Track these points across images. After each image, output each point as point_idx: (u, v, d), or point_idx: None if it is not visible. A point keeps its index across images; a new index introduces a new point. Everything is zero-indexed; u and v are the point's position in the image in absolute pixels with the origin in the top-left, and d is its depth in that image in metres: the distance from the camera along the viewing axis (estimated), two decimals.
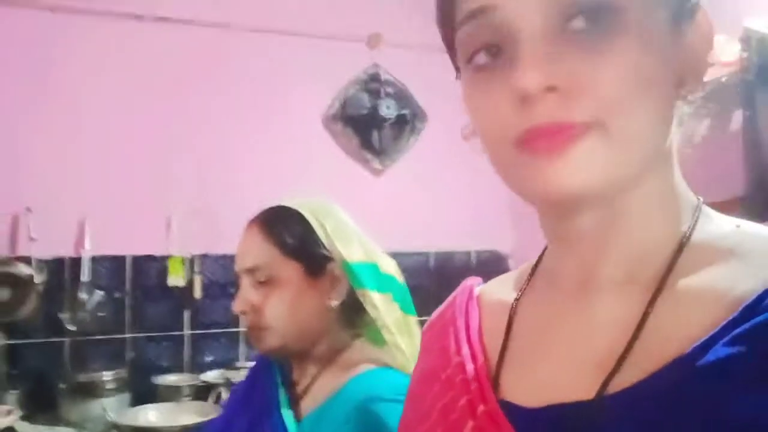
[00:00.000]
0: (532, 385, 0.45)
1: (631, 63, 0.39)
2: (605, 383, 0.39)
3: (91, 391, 2.04)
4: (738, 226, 0.43)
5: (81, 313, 2.10)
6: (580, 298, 0.45)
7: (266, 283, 0.89)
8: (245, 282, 0.90)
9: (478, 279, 0.61)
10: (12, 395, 2.04)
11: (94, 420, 2.02)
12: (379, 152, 2.46)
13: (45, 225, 2.02)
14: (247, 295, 0.89)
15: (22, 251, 2.04)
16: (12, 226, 2.04)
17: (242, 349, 2.29)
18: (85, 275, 2.09)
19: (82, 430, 2.01)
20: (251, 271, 0.89)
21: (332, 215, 0.93)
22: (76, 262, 2.10)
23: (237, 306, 0.91)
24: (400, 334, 0.91)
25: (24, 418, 1.93)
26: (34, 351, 2.14)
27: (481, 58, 0.42)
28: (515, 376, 0.47)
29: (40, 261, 2.04)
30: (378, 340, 0.93)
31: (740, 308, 0.36)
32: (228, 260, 2.20)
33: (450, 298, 0.60)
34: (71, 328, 2.11)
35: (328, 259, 0.89)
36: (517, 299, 0.51)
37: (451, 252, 2.55)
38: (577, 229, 0.44)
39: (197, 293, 2.19)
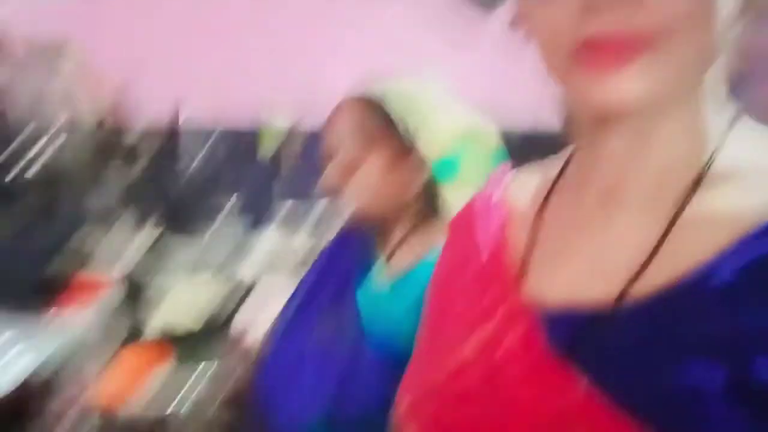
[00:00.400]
0: (554, 285, 0.48)
1: None
2: (621, 294, 0.41)
3: None
4: (757, 151, 0.43)
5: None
6: (604, 210, 0.46)
7: (352, 165, 0.97)
8: (333, 161, 0.99)
9: (508, 169, 0.63)
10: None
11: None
12: None
13: (144, 98, 2.17)
14: (334, 173, 0.98)
15: (125, 123, 2.18)
16: (114, 98, 2.17)
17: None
18: (182, 147, 2.23)
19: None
20: (339, 152, 0.98)
21: (419, 102, 0.96)
22: (173, 134, 2.23)
23: (325, 182, 1.00)
24: None
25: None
26: None
27: None
28: (540, 276, 0.49)
29: (142, 133, 2.19)
30: None
31: (749, 233, 0.38)
32: (316, 134, 2.35)
33: (476, 194, 0.62)
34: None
35: (408, 148, 0.95)
36: (545, 199, 0.53)
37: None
38: (611, 146, 0.45)
39: (287, 165, 2.29)
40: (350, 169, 0.95)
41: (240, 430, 1.18)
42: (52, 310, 1.50)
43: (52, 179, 1.89)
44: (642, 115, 0.42)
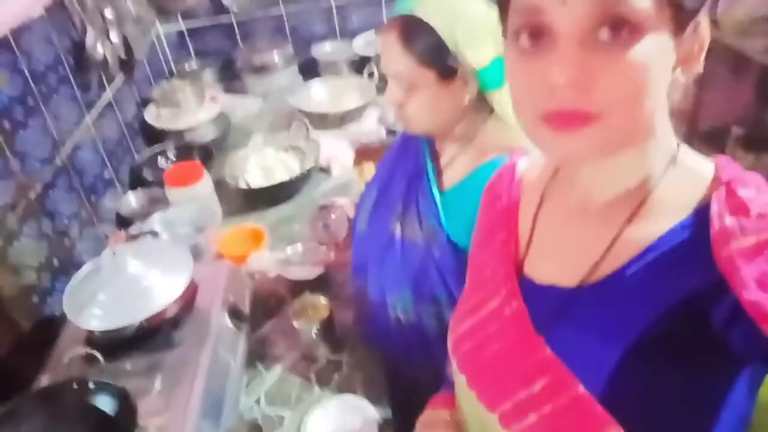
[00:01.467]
0: (543, 268, 0.65)
1: (639, 70, 0.48)
2: (584, 279, 0.60)
3: (266, 68, 2.29)
4: (687, 171, 0.58)
5: None
6: (580, 212, 0.62)
7: (407, 87, 0.97)
8: (391, 82, 1.00)
9: (522, 154, 0.77)
10: (207, 73, 2.36)
11: (275, 92, 2.29)
12: None
13: None
14: (392, 93, 1.00)
15: None
16: None
17: (385, 12, 2.40)
18: None
19: (268, 100, 2.29)
20: (393, 77, 0.98)
21: (465, 16, 0.94)
22: None
23: (386, 100, 1.02)
24: None
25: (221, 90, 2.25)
26: (209, 32, 2.40)
27: (525, 41, 0.52)
28: (534, 259, 0.67)
29: None
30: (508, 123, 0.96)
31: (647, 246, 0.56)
32: None
33: (499, 170, 0.78)
34: (233, 8, 2.30)
35: (457, 64, 0.94)
36: (541, 200, 0.68)
37: None
38: (581, 172, 0.62)
39: None
40: (406, 91, 1.00)
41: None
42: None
43: None
44: (603, 159, 0.56)
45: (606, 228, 0.59)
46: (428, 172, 1.06)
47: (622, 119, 0.50)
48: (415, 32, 0.95)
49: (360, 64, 2.28)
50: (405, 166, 1.12)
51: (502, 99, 0.98)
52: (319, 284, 1.36)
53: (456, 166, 1.04)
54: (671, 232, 0.55)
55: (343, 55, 2.36)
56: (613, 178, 0.59)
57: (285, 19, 2.39)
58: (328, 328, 1.20)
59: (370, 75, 2.18)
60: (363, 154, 1.99)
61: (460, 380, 0.70)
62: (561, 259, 0.64)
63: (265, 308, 1.35)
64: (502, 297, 0.66)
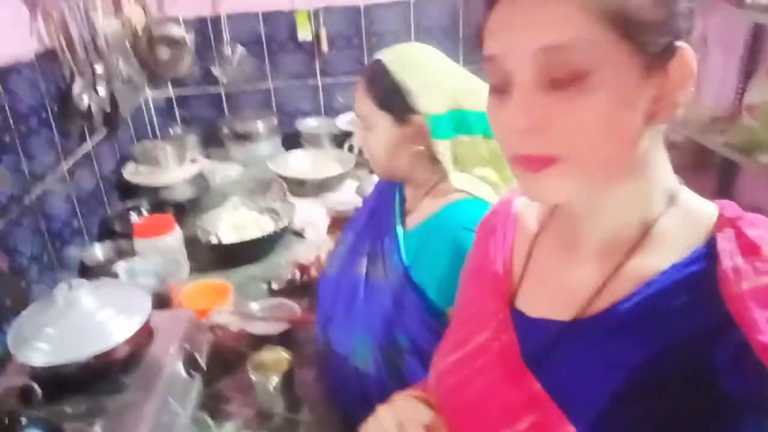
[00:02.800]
0: (536, 301, 0.64)
1: (595, 113, 0.49)
2: (579, 313, 0.58)
3: (249, 136, 2.34)
4: (689, 212, 0.57)
5: (228, 67, 2.35)
6: (572, 252, 0.62)
7: (368, 127, 1.05)
8: (358, 125, 1.10)
9: (517, 192, 0.75)
10: (191, 138, 2.38)
11: (256, 159, 2.32)
12: None
13: None
14: (358, 135, 1.11)
15: (168, 12, 2.27)
16: None
17: None
18: (226, 32, 2.32)
19: (248, 167, 2.31)
20: (360, 118, 1.08)
21: (422, 67, 1.03)
22: (216, 20, 2.31)
23: (355, 141, 1.13)
24: (491, 163, 1.05)
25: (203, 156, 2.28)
26: (197, 101, 2.47)
27: (494, 87, 0.55)
28: (527, 293, 0.65)
29: (185, 21, 2.28)
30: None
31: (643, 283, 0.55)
32: (351, 12, 2.37)
33: (495, 207, 0.78)
34: (223, 80, 2.38)
35: (412, 111, 1.01)
36: (536, 236, 0.68)
37: None
38: (569, 211, 0.62)
39: (324, 46, 2.37)
40: (368, 131, 1.06)
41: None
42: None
43: None
44: (580, 200, 0.57)
45: (602, 263, 0.58)
46: (395, 214, 1.10)
47: (585, 159, 0.51)
48: (377, 77, 1.03)
49: (342, 138, 2.34)
50: (378, 210, 1.16)
51: (446, 149, 1.03)
52: (283, 340, 1.31)
53: (420, 207, 1.08)
54: (673, 268, 0.54)
55: (326, 129, 2.43)
56: (608, 214, 0.58)
57: (272, 93, 2.48)
58: (287, 383, 1.14)
59: (351, 148, 2.24)
60: (338, 222, 1.98)
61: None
62: (555, 293, 0.62)
63: (223, 363, 1.29)
64: (491, 330, 0.64)
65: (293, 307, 1.36)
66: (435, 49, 1.08)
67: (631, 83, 0.49)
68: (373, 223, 1.14)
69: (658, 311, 0.53)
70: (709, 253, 0.53)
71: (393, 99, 1.01)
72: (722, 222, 0.55)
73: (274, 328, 1.34)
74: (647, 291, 0.54)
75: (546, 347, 0.59)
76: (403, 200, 1.13)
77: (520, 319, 0.63)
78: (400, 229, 1.06)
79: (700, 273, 0.52)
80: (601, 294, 0.58)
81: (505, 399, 0.58)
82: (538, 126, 0.50)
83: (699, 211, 0.57)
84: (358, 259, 1.11)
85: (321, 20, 2.35)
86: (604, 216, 0.58)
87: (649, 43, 0.49)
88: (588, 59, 0.48)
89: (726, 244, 0.52)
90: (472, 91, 1.04)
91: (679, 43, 0.50)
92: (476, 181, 1.05)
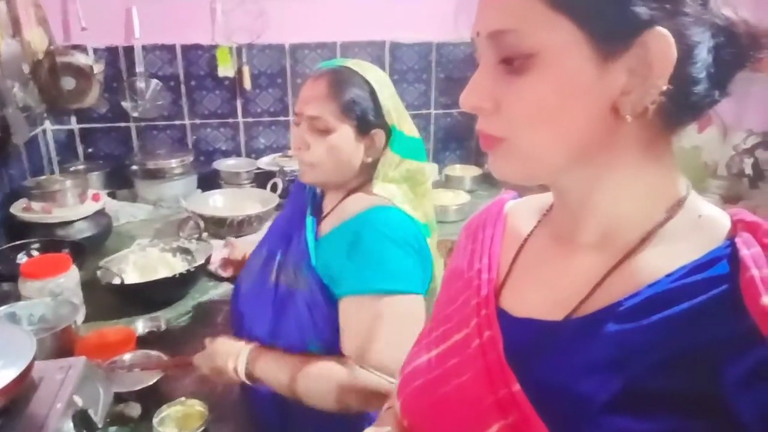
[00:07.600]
0: (522, 301, 0.60)
1: (537, 95, 0.49)
2: (569, 314, 0.54)
3: (161, 174, 2.16)
4: (699, 216, 0.54)
5: (141, 101, 2.19)
6: (566, 247, 0.59)
7: (321, 131, 1.01)
8: (304, 124, 1.03)
9: (513, 193, 0.75)
10: (95, 176, 2.17)
11: (168, 200, 2.14)
12: None
13: (94, 14, 2.08)
14: (303, 135, 1.03)
15: (76, 41, 2.10)
16: (63, 15, 2.08)
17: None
18: (139, 64, 2.16)
19: (159, 207, 2.13)
20: (312, 118, 1.01)
21: (388, 84, 1.06)
22: (129, 50, 2.16)
23: (293, 143, 1.05)
24: (406, 182, 1.08)
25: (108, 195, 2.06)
26: (104, 135, 2.27)
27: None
28: (513, 291, 0.62)
29: (95, 50, 2.13)
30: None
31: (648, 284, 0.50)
32: (274, 50, 2.30)
33: (486, 206, 0.75)
34: (134, 114, 2.21)
35: (376, 123, 1.02)
36: (530, 233, 0.66)
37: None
38: (565, 199, 0.59)
39: (247, 83, 2.27)
40: (319, 134, 1.01)
41: None
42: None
43: None
44: (543, 180, 0.56)
45: (600, 259, 0.55)
46: (307, 220, 1.08)
47: (524, 142, 0.51)
48: (345, 82, 1.01)
49: (264, 179, 2.21)
50: (291, 218, 1.15)
51: (392, 162, 1.05)
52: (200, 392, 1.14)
53: (335, 213, 1.07)
54: (681, 270, 0.50)
55: (246, 168, 2.30)
56: (603, 211, 0.55)
57: (188, 130, 2.34)
58: None
59: (274, 187, 2.13)
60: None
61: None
62: (545, 292, 0.59)
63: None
64: (471, 328, 0.60)
65: (160, 356, 1.20)
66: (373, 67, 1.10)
67: (586, 70, 0.48)
68: (285, 233, 1.13)
69: (664, 315, 0.47)
70: (728, 257, 0.49)
71: (358, 107, 1.01)
72: (739, 226, 0.52)
73: (143, 380, 1.14)
74: (650, 292, 0.50)
75: (530, 348, 0.55)
76: (315, 208, 1.12)
77: (504, 319, 0.59)
78: (311, 235, 1.05)
79: (719, 278, 0.47)
80: (597, 293, 0.53)
81: (478, 401, 0.54)
82: (485, 106, 0.52)
83: (710, 215, 0.54)
84: (271, 267, 1.09)
85: (244, 57, 2.26)
86: (600, 211, 0.56)
87: (601, 30, 0.47)
88: (535, 43, 0.48)
89: (748, 250, 0.47)
90: (405, 119, 1.08)
91: (648, 30, 0.46)
92: (394, 189, 1.06)
